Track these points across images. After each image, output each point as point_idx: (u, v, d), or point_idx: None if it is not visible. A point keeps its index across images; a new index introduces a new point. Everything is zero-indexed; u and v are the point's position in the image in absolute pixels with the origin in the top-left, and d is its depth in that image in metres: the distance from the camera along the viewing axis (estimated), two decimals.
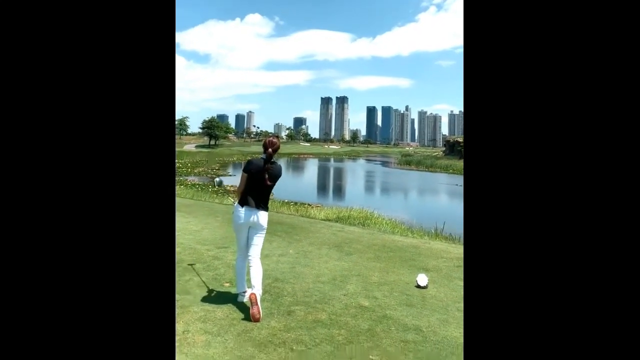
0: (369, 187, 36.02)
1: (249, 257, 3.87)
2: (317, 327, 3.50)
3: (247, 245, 3.93)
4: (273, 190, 4.09)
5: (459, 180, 39.14)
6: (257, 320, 3.53)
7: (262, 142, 4.09)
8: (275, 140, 4.00)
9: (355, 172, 51.89)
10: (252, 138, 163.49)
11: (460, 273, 5.38)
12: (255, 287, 3.70)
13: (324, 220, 10.24)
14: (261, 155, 3.91)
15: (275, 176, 3.92)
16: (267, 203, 3.95)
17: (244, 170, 3.88)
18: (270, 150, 3.89)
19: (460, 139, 67.19)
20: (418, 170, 53.43)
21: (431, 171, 51.62)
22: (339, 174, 50.58)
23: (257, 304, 3.57)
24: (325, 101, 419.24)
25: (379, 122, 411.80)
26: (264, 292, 4.20)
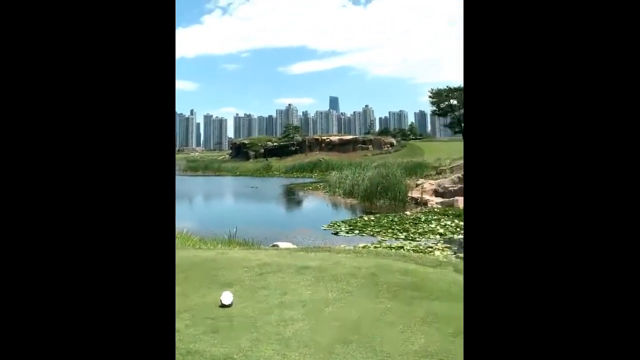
0: None
1: None
2: None
3: None
4: None
5: (246, 182, 40.24)
6: None
7: None
8: None
9: None
10: None
11: (263, 282, 5.24)
12: None
13: None
14: None
15: None
16: None
17: None
18: None
19: (247, 141, 68.56)
20: (205, 175, 52.34)
21: (218, 175, 51.32)
22: None
23: None
24: None
25: None
26: None
